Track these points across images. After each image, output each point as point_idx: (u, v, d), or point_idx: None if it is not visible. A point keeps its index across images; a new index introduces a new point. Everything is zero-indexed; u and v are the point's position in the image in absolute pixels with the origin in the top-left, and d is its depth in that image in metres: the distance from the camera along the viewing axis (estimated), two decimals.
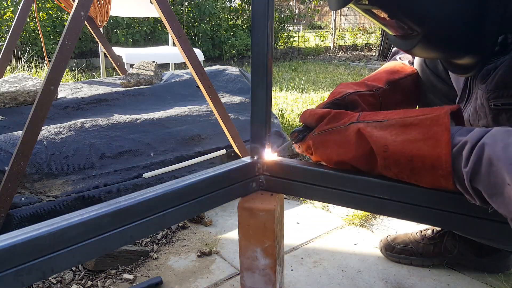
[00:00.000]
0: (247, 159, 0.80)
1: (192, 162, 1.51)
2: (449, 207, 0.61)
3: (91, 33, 2.54)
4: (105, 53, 2.24)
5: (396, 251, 1.15)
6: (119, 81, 1.96)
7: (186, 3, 6.10)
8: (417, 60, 0.99)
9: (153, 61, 2.08)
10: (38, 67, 3.65)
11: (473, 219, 0.60)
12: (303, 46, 7.62)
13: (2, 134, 1.31)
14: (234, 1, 6.91)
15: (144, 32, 5.61)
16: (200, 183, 0.71)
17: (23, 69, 3.39)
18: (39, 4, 4.86)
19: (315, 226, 1.36)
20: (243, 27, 6.71)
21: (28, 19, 4.16)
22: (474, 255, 1.08)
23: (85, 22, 1.62)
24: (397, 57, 1.06)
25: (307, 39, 8.20)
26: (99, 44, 2.42)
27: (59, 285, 1.04)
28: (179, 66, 4.83)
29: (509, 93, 0.68)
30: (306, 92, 3.59)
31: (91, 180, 1.29)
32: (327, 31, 9.09)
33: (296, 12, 8.32)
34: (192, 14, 6.12)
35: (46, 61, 2.36)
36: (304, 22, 10.62)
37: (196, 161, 1.52)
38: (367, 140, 0.64)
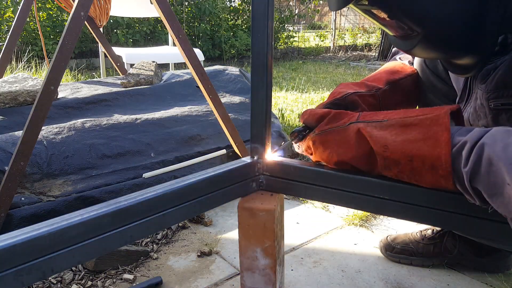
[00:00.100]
0: (247, 159, 0.80)
1: (192, 162, 1.51)
2: (449, 207, 0.61)
3: (91, 33, 2.54)
4: (105, 53, 2.24)
5: (396, 251, 1.15)
6: (119, 81, 1.96)
7: (186, 3, 6.10)
8: (417, 60, 0.99)
9: (153, 61, 2.08)
10: (38, 67, 3.65)
11: (473, 219, 0.60)
12: (303, 46, 7.62)
13: (2, 134, 1.31)
14: (234, 1, 6.92)
15: (144, 32, 5.61)
16: (200, 183, 0.71)
17: (23, 69, 3.39)
18: (39, 4, 4.86)
19: (315, 226, 1.36)
20: (243, 27, 6.71)
21: (28, 19, 4.17)
22: (474, 255, 1.08)
23: (85, 22, 1.62)
24: (397, 57, 1.06)
25: (307, 39, 8.20)
26: (99, 44, 2.43)
27: (59, 285, 1.04)
28: (179, 66, 4.83)
29: (509, 93, 0.68)
30: (306, 92, 3.59)
31: (91, 180, 1.29)
32: (327, 31, 9.10)
33: (296, 12, 8.32)
34: (192, 14, 6.12)
35: (46, 61, 2.36)
36: (304, 22, 10.63)
37: (196, 161, 1.52)
38: (367, 140, 0.64)
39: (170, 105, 1.81)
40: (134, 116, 1.57)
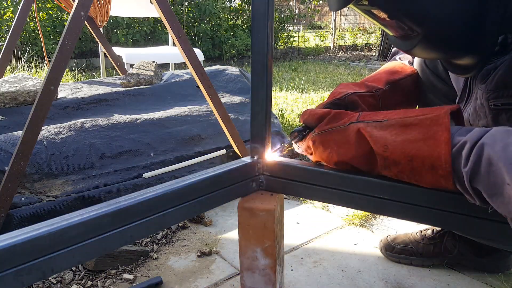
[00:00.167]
0: (247, 159, 0.80)
1: (192, 162, 1.51)
2: (449, 207, 0.61)
3: (91, 33, 2.54)
4: (105, 53, 2.24)
5: (396, 251, 1.15)
6: (119, 81, 1.96)
7: (186, 3, 6.10)
8: (417, 60, 0.99)
9: (153, 61, 2.08)
10: (38, 67, 3.65)
11: (473, 219, 0.60)
12: (303, 46, 7.62)
13: (2, 134, 1.31)
14: (234, 1, 6.92)
15: (144, 32, 5.61)
16: (200, 183, 0.71)
17: (23, 69, 3.39)
18: (39, 4, 4.86)
19: (315, 226, 1.36)
20: (243, 27, 6.71)
21: (28, 19, 4.17)
22: (474, 255, 1.08)
23: (85, 22, 1.62)
24: (397, 57, 1.06)
25: (307, 39, 8.20)
26: (99, 44, 2.43)
27: (59, 285, 1.04)
28: (179, 66, 4.83)
29: (509, 93, 0.68)
30: (306, 92, 3.60)
31: (91, 180, 1.29)
32: (327, 31, 9.09)
33: (296, 12, 8.32)
34: (192, 14, 6.12)
35: (46, 61, 2.36)
36: (304, 22, 10.63)
37: (196, 161, 1.52)
38: (367, 140, 0.64)
39: (170, 105, 1.81)
40: (134, 116, 1.57)
